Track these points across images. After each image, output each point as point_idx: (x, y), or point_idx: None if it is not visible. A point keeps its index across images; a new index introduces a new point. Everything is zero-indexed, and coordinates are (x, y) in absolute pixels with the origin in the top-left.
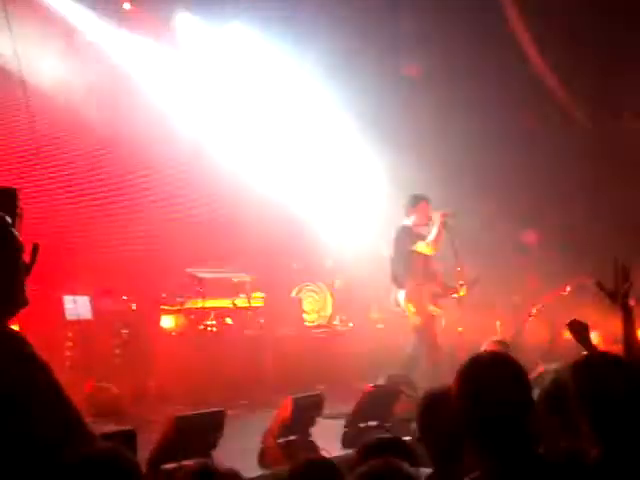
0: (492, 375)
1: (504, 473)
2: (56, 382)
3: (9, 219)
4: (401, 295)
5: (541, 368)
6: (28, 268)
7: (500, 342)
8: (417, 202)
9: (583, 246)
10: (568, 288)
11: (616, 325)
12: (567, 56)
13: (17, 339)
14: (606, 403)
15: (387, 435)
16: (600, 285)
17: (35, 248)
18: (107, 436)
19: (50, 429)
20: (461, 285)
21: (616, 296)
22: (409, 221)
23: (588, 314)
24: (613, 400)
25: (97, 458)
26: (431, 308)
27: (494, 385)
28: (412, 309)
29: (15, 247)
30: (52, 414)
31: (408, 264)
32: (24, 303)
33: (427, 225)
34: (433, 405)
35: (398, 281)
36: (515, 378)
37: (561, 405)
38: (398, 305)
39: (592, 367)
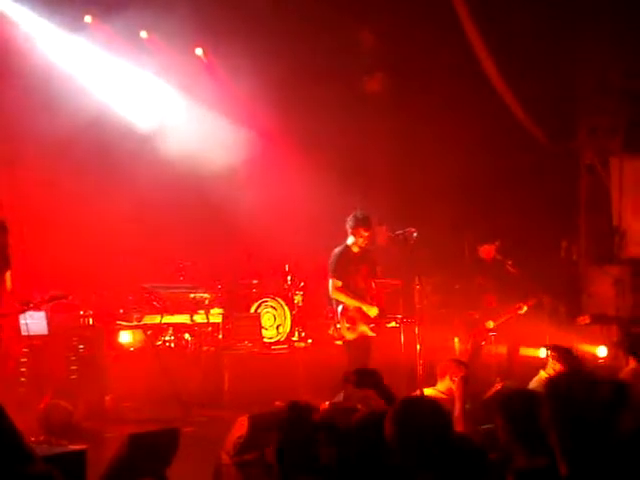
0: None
1: None
2: None
3: None
4: (338, 311)
5: (498, 385)
6: None
7: (458, 362)
8: (355, 225)
9: (541, 262)
10: (525, 308)
11: (571, 342)
12: (525, 79)
13: None
14: (578, 422)
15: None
16: None
17: None
18: (57, 456)
19: None
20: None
21: None
22: (349, 241)
23: (544, 331)
24: (585, 419)
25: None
26: (363, 328)
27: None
28: (346, 325)
29: None
30: None
31: (345, 283)
32: None
33: (361, 248)
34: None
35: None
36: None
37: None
38: (336, 321)
39: (566, 386)
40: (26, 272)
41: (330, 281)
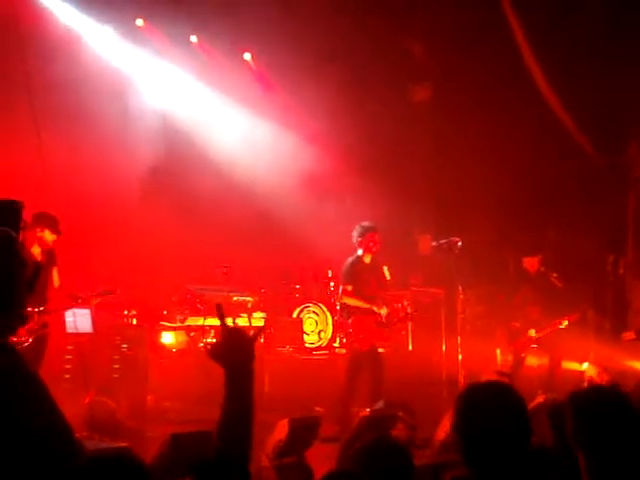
0: (493, 404)
1: None
2: (50, 396)
3: (14, 234)
4: (349, 322)
5: (541, 398)
6: (30, 286)
7: (501, 373)
8: (364, 233)
9: (585, 275)
10: (565, 322)
11: (612, 357)
12: (573, 88)
13: (12, 353)
14: (601, 439)
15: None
16: None
17: (37, 267)
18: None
19: (42, 442)
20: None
21: None
22: (359, 252)
23: (588, 346)
24: (608, 436)
25: (106, 458)
26: (373, 339)
27: (494, 413)
28: (359, 336)
29: (19, 264)
30: (45, 427)
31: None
32: (23, 323)
33: (372, 253)
34: None
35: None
36: (515, 409)
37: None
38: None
39: (590, 402)
40: (74, 270)
41: (340, 287)
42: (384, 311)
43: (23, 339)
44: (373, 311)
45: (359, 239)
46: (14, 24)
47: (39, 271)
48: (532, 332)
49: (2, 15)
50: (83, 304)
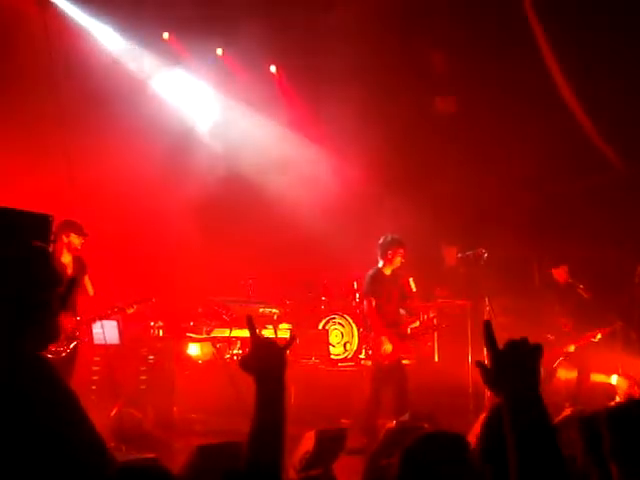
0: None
1: None
2: (81, 408)
3: (48, 249)
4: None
5: (568, 410)
6: (63, 300)
7: None
8: (390, 246)
9: (612, 287)
10: (599, 335)
11: None
12: (599, 97)
13: (46, 365)
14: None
15: None
16: None
17: (71, 281)
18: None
19: (75, 453)
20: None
21: None
22: (380, 264)
23: (616, 358)
24: None
25: (134, 468)
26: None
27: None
28: (386, 347)
29: (53, 281)
30: (77, 438)
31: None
32: (56, 337)
33: (392, 265)
34: None
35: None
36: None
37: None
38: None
39: (629, 416)
40: (103, 284)
41: (365, 302)
42: (388, 348)
43: (58, 349)
44: (395, 324)
45: (387, 251)
46: (44, 39)
47: (72, 286)
48: (571, 348)
49: (32, 30)
50: (120, 312)
